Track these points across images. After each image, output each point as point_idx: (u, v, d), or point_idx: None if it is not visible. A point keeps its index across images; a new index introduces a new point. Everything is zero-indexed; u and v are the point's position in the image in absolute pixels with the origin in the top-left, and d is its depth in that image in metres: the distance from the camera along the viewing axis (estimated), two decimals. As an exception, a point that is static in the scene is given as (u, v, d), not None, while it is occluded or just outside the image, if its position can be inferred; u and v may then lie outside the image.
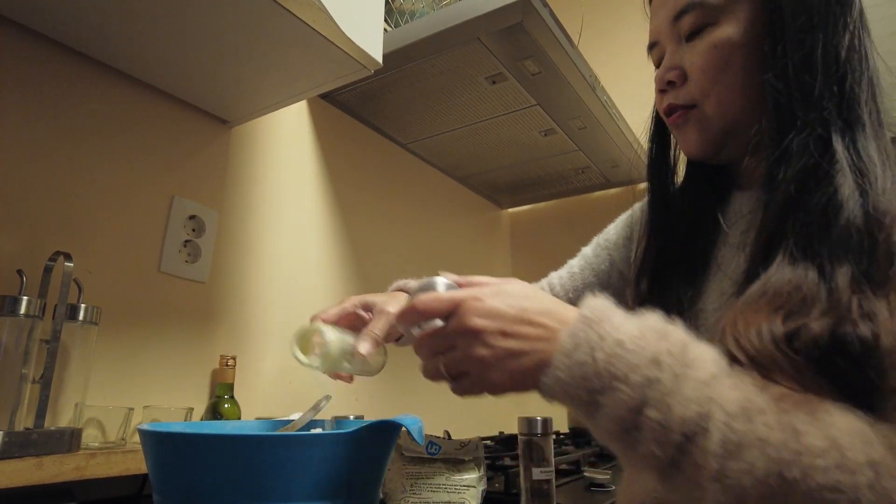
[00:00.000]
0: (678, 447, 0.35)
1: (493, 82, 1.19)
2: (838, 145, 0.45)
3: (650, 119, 0.67)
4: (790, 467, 0.32)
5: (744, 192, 0.59)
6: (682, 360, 0.37)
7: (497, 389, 0.43)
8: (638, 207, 0.75)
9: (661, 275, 0.60)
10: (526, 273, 2.01)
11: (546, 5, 1.03)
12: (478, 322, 0.41)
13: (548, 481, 0.69)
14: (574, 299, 0.77)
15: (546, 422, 0.71)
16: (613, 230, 0.78)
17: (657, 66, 0.61)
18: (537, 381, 0.40)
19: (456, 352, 0.43)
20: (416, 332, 0.46)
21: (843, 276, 0.40)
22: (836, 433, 0.33)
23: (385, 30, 0.99)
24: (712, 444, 0.34)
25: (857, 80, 0.47)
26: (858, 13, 0.50)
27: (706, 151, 0.57)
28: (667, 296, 0.58)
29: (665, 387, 0.36)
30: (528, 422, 0.71)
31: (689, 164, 0.64)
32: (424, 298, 0.43)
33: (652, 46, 0.61)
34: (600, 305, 0.41)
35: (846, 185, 0.43)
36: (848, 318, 0.38)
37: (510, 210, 2.04)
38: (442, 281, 0.48)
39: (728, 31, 0.52)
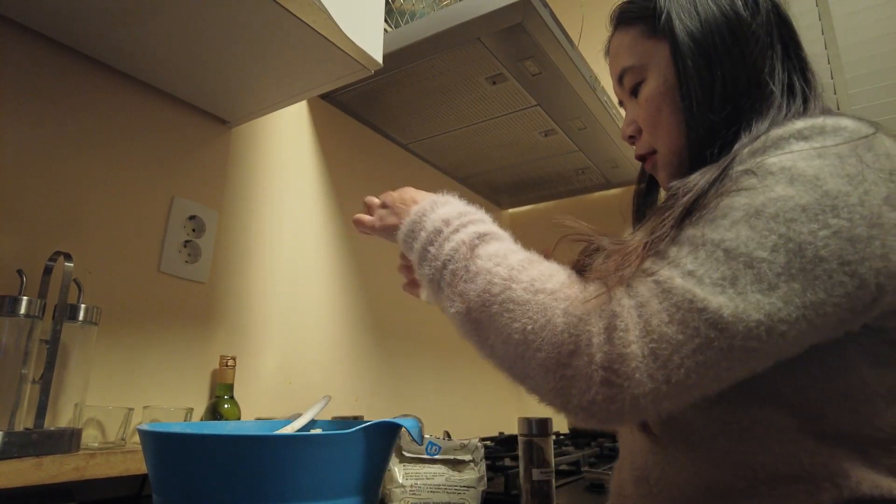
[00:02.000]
0: (439, 269, 0.53)
1: (494, 83, 1.19)
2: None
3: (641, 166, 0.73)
4: (497, 286, 0.47)
5: None
6: (463, 223, 0.55)
7: (386, 234, 0.66)
8: None
9: None
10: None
11: (546, 6, 1.03)
12: (388, 194, 0.67)
13: (547, 482, 0.69)
14: None
15: (545, 423, 0.71)
16: None
17: None
18: (396, 235, 0.61)
19: (378, 211, 0.69)
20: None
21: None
22: (537, 273, 0.47)
23: (385, 30, 0.99)
24: (459, 271, 0.51)
25: (752, 115, 0.53)
26: (762, 46, 0.55)
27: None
28: None
29: (444, 235, 0.54)
30: (528, 423, 0.71)
31: None
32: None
33: (621, 104, 0.69)
34: (450, 197, 0.60)
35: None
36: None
37: (510, 210, 2.04)
38: None
39: (651, 84, 0.60)
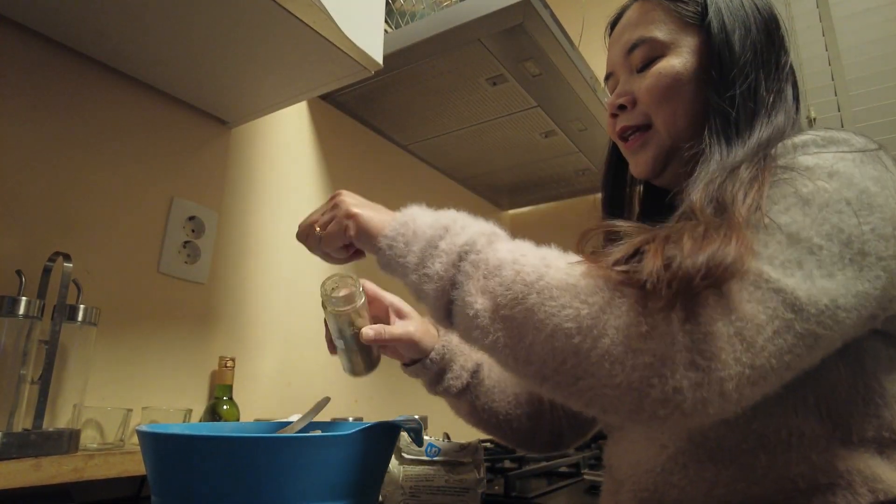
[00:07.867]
0: (453, 264, 0.47)
1: (494, 84, 1.19)
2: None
3: (607, 150, 0.72)
4: (531, 274, 0.42)
5: None
6: (469, 223, 0.51)
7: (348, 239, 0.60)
8: None
9: None
10: (526, 275, 2.01)
11: (547, 7, 1.03)
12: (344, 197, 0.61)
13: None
14: None
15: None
16: None
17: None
18: (379, 241, 0.55)
19: (326, 215, 0.63)
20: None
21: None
22: (573, 258, 0.44)
23: (385, 31, 0.99)
24: (480, 262, 0.45)
25: (768, 122, 0.54)
26: (787, 72, 0.57)
27: (655, 170, 0.61)
28: None
29: (454, 230, 0.49)
30: None
31: (645, 192, 0.70)
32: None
33: (608, 77, 0.67)
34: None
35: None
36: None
37: (511, 212, 2.04)
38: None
39: (673, 61, 0.58)
